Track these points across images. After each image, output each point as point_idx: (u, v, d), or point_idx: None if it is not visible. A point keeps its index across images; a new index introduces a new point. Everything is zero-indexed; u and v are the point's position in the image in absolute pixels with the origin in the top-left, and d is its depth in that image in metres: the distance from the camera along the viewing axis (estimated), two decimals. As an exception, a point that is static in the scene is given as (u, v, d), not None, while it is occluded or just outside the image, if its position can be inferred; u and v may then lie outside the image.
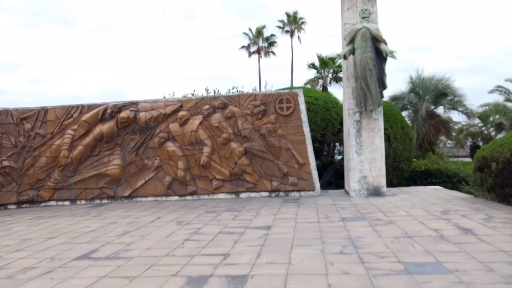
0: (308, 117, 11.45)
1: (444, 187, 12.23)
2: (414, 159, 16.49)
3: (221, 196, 9.30)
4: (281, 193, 9.16)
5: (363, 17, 8.30)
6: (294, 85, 37.15)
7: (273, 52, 41.04)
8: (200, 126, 9.28)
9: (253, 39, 40.07)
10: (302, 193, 9.10)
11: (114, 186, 9.46)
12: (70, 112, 9.58)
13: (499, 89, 24.84)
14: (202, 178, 9.34)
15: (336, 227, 5.54)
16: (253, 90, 16.85)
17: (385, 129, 11.61)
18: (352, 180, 8.61)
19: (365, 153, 8.56)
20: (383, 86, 8.37)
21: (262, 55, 40.44)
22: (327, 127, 11.63)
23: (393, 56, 7.80)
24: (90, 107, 9.58)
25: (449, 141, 24.90)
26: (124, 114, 9.37)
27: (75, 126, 9.47)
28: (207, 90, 16.51)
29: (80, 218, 7.41)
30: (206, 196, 9.35)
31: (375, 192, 8.52)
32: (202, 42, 78.72)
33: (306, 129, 9.04)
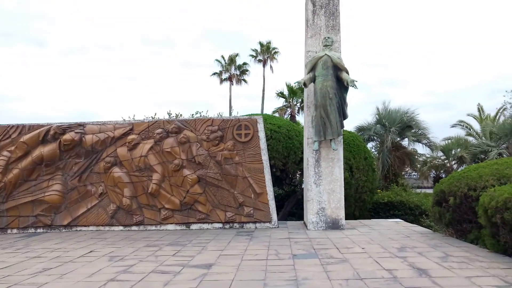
0: (270, 145, 11.15)
1: (406, 219, 12.05)
2: (379, 190, 16.39)
3: (170, 227, 8.62)
4: (236, 225, 8.58)
5: (326, 45, 8.12)
6: (271, 113, 37.38)
7: (245, 80, 41.27)
8: (150, 151, 8.68)
9: (225, 66, 40.19)
10: (258, 224, 8.56)
11: (52, 213, 8.60)
12: (8, 132, 8.78)
13: (460, 123, 25.55)
14: (150, 207, 8.65)
15: (284, 265, 5.02)
16: (218, 115, 16.48)
17: (348, 159, 11.40)
18: (310, 211, 8.17)
19: (323, 183, 8.18)
20: (343, 115, 8.12)
21: (234, 82, 40.53)
22: (289, 156, 11.27)
23: (353, 85, 7.59)
24: (32, 127, 8.82)
25: (414, 173, 25.14)
26: (68, 136, 8.66)
27: (12, 148, 8.66)
28: (169, 114, 15.97)
29: (0, 250, 6.54)
30: (153, 227, 8.64)
31: (334, 225, 8.10)
32: (178, 69, 78.53)
33: (265, 157, 8.61)
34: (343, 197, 8.20)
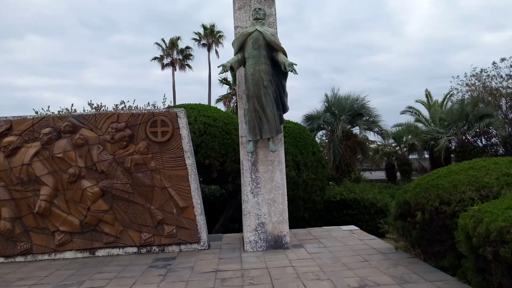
0: (203, 142, 9.35)
1: (361, 219, 10.86)
2: (331, 183, 15.16)
3: (69, 255, 6.64)
4: (155, 248, 6.77)
5: (256, 19, 6.37)
6: (212, 101, 35.10)
7: (188, 66, 38.65)
8: (36, 158, 6.58)
9: (166, 51, 37.29)
10: (183, 246, 6.80)
11: None
12: None
13: (409, 110, 25.14)
14: (39, 230, 6.60)
15: None
16: (148, 107, 14.32)
17: (294, 155, 9.87)
18: (248, 228, 6.54)
19: (262, 192, 6.54)
20: (283, 108, 6.50)
21: (177, 68, 37.81)
22: (227, 154, 9.56)
23: (292, 70, 5.92)
24: None
25: (365, 161, 24.47)
26: None
27: None
28: (91, 105, 13.49)
29: None
30: (45, 256, 6.63)
31: (276, 243, 6.52)
32: (120, 52, 73.71)
33: (190, 160, 6.81)
34: (287, 208, 6.61)
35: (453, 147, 20.73)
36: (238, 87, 6.87)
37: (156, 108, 14.61)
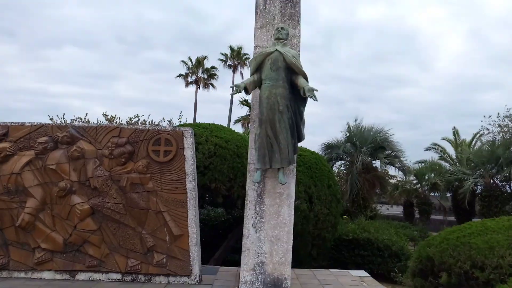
0: (212, 164, 8.81)
1: (373, 262, 10.01)
2: (345, 216, 14.32)
3: (47, 275, 6.11)
4: (141, 277, 6.16)
5: (278, 39, 5.83)
6: (232, 121, 34.78)
7: (212, 85, 38.66)
8: (28, 167, 6.14)
9: (192, 69, 37.47)
10: (171, 278, 6.16)
11: None
12: None
13: (435, 147, 24.12)
14: (19, 245, 6.11)
15: None
16: (162, 122, 13.95)
17: (307, 187, 9.18)
18: (245, 266, 5.85)
19: (266, 228, 5.87)
20: (298, 137, 5.87)
21: (201, 86, 37.87)
22: (236, 178, 8.98)
23: (312, 97, 5.32)
24: None
25: (383, 197, 23.41)
26: None
27: None
28: (105, 117, 13.15)
29: None
30: (22, 274, 6.12)
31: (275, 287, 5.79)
32: (151, 67, 75.37)
33: (191, 184, 6.23)
34: (291, 248, 5.89)
35: (478, 191, 19.54)
36: (252, 110, 6.32)
37: (171, 124, 14.25)
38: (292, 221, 5.92)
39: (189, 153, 6.27)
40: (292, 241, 5.89)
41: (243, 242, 5.92)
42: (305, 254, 9.15)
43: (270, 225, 5.86)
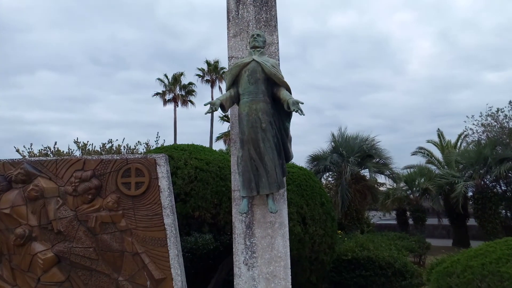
0: (194, 190, 8.10)
1: (376, 282, 9.34)
2: (339, 231, 13.66)
3: None
4: (120, 333, 5.30)
5: (254, 47, 5.21)
6: (214, 139, 34.04)
7: (191, 102, 37.96)
8: (-22, 214, 5.29)
9: (169, 86, 36.76)
10: (156, 330, 5.33)
11: None
12: None
13: (421, 151, 23.89)
14: (-27, 308, 5.21)
15: None
16: (139, 145, 13.13)
17: (300, 207, 8.49)
18: (238, 310, 5.09)
19: (259, 264, 5.15)
20: (285, 156, 5.22)
21: (179, 104, 37.13)
22: (221, 204, 8.27)
23: (298, 110, 4.69)
24: None
25: (374, 207, 22.89)
26: None
27: None
28: (105, 143, 12.20)
29: None
30: None
31: (275, 331, 5.04)
32: (127, 87, 74.48)
33: (169, 219, 5.46)
34: (290, 285, 5.17)
35: (470, 193, 19.22)
36: (231, 129, 5.66)
37: (149, 147, 13.45)
38: (288, 253, 5.21)
39: (164, 183, 5.52)
40: (290, 276, 5.18)
41: (235, 283, 5.18)
42: (304, 281, 8.41)
43: (263, 260, 5.15)
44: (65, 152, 12.27)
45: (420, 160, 23.52)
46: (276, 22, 5.66)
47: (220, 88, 37.77)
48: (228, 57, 5.67)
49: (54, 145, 11.60)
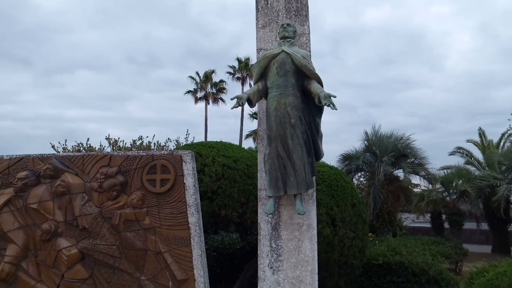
0: (221, 188, 7.96)
1: (410, 288, 8.86)
2: (370, 234, 13.17)
3: (33, 335, 5.20)
4: (142, 332, 5.20)
5: (284, 37, 4.95)
6: (243, 137, 33.95)
7: (222, 99, 38.06)
8: (7, 208, 5.34)
9: (200, 84, 37.00)
10: (178, 332, 5.19)
11: None
12: None
13: (459, 151, 22.71)
14: (0, 301, 5.25)
15: None
16: (169, 142, 13.16)
17: (330, 208, 8.15)
18: (263, 316, 4.87)
19: (284, 268, 4.90)
20: (315, 154, 4.93)
21: (210, 101, 37.32)
22: (248, 203, 8.09)
23: (330, 104, 4.39)
24: None
25: (407, 207, 22.03)
26: None
27: None
28: (135, 140, 12.33)
29: None
30: (4, 335, 5.23)
31: None
32: (162, 86, 76.23)
33: (194, 218, 5.31)
34: (317, 291, 4.90)
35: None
36: (259, 125, 5.43)
37: (179, 144, 13.46)
38: (316, 257, 4.93)
39: (189, 180, 5.36)
40: (317, 281, 4.90)
41: (258, 286, 4.97)
42: (332, 286, 8.09)
43: (289, 264, 4.89)
44: (96, 148, 12.48)
45: (458, 160, 22.38)
46: (308, 11, 5.37)
47: (250, 85, 37.57)
48: (257, 49, 5.44)
49: (87, 141, 11.85)
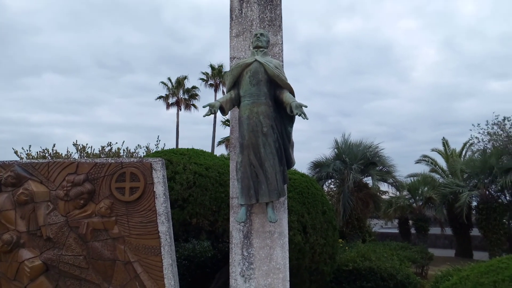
0: (192, 196, 7.86)
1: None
2: (340, 240, 13.37)
3: None
4: None
5: (257, 47, 5.00)
6: (216, 144, 33.84)
7: (194, 106, 37.82)
8: (-36, 218, 5.06)
9: (172, 90, 36.65)
10: None
11: None
12: None
13: (425, 159, 23.57)
14: (-44, 317, 4.96)
15: None
16: (138, 149, 12.92)
17: (301, 215, 8.23)
18: (234, 325, 4.83)
19: (256, 276, 4.90)
20: (287, 163, 4.99)
21: (182, 108, 36.99)
22: (220, 211, 8.02)
23: (301, 114, 4.46)
24: None
25: (375, 215, 22.57)
26: None
27: None
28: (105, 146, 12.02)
29: None
30: None
31: None
32: (132, 91, 74.80)
33: (164, 227, 5.21)
34: (289, 299, 4.92)
35: (474, 203, 18.89)
36: (231, 133, 5.43)
37: (149, 151, 13.24)
38: (287, 265, 4.96)
39: (160, 188, 5.28)
40: (289, 289, 4.92)
41: (230, 295, 4.92)
42: (303, 292, 8.14)
43: (261, 272, 4.89)
44: (63, 155, 12.07)
45: (424, 168, 23.25)
46: (281, 22, 5.45)
47: (223, 92, 37.68)
48: (230, 58, 5.46)
49: (53, 147, 11.43)
